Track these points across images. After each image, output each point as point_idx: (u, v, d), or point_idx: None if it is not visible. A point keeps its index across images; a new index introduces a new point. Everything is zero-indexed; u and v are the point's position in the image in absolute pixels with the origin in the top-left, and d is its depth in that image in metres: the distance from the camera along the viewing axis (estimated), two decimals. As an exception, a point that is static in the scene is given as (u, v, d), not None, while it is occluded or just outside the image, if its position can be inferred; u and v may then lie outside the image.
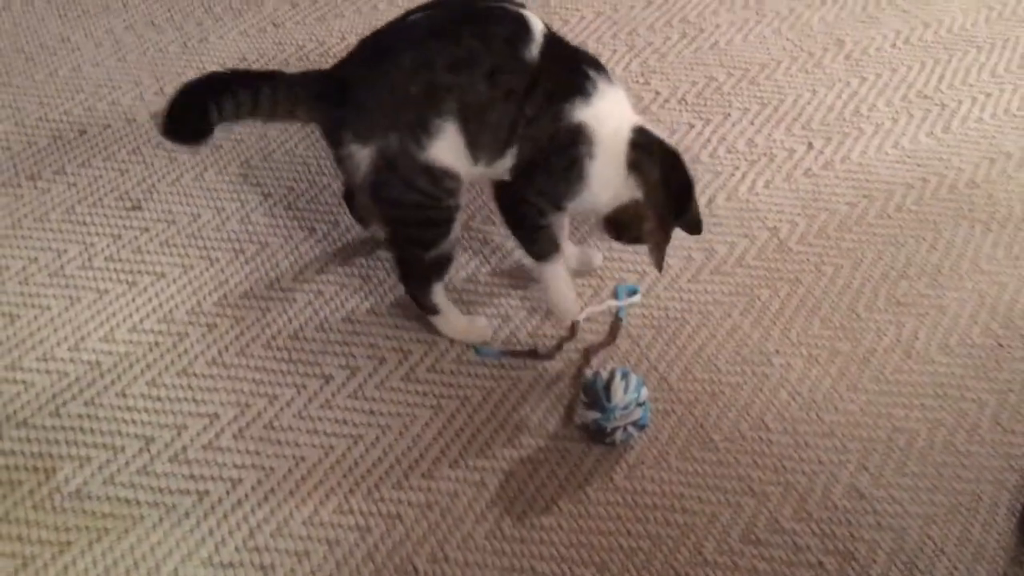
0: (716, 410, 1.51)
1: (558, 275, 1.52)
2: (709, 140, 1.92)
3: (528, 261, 1.55)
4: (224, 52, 2.04)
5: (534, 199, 1.44)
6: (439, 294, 1.54)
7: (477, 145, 1.39)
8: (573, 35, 2.12)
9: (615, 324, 1.61)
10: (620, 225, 1.46)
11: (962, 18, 2.23)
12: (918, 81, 2.07)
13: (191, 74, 1.93)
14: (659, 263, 1.43)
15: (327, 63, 2.00)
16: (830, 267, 1.71)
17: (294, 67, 2.01)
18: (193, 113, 1.36)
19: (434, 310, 1.55)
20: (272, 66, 2.01)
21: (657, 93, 2.02)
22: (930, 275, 1.71)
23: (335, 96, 1.39)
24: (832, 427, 1.49)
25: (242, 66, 2.00)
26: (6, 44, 2.02)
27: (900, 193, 1.84)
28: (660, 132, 1.43)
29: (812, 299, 1.66)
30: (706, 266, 1.70)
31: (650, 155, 1.40)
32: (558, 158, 1.39)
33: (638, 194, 1.41)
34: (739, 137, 1.93)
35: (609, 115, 1.39)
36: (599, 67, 1.43)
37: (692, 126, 1.95)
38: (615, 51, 2.10)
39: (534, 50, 1.36)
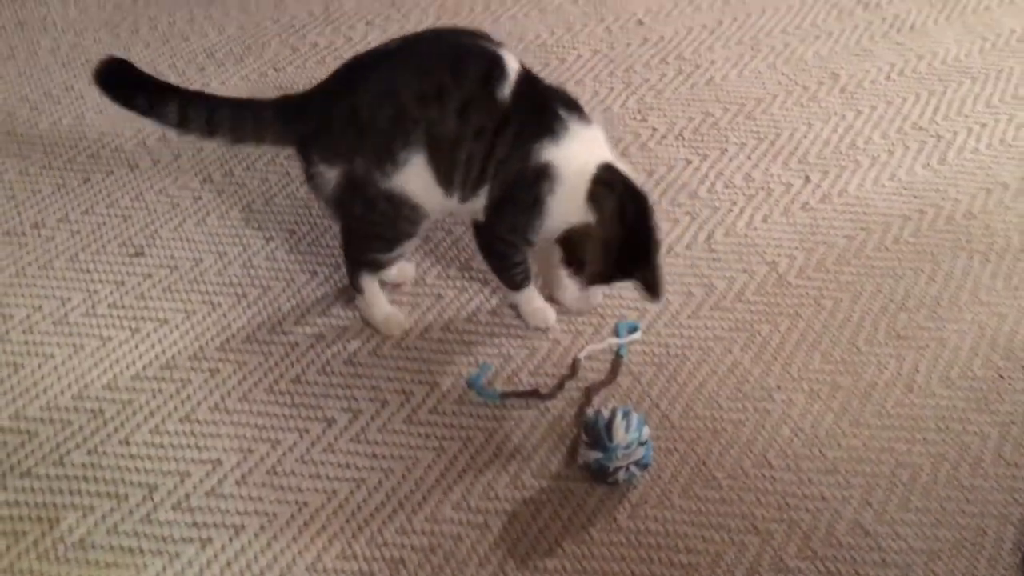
0: (718, 447, 1.51)
1: (530, 297, 1.63)
2: (707, 175, 1.94)
3: (503, 290, 1.64)
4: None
5: (506, 235, 1.49)
6: (371, 280, 1.61)
7: (448, 180, 1.42)
8: (570, 73, 2.14)
9: (616, 362, 1.61)
10: (567, 245, 1.46)
11: (956, 49, 2.25)
12: (913, 113, 2.08)
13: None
14: (585, 287, 1.46)
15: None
16: (829, 301, 1.71)
17: (294, 111, 2.03)
18: (127, 84, 1.51)
19: (359, 290, 1.62)
20: (273, 110, 2.03)
21: (654, 129, 2.03)
22: (929, 307, 1.71)
23: (304, 118, 1.44)
24: (835, 463, 1.49)
25: (243, 111, 2.02)
26: (11, 93, 2.05)
27: (898, 225, 1.85)
28: (633, 174, 1.44)
29: (812, 333, 1.66)
30: (706, 302, 1.71)
31: (611, 189, 1.41)
32: (524, 195, 1.42)
33: (591, 219, 1.42)
34: (736, 172, 1.95)
35: (577, 154, 1.41)
36: (574, 107, 1.45)
37: (689, 162, 1.97)
38: (612, 88, 2.12)
39: (507, 90, 1.38)
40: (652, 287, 1.42)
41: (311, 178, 1.47)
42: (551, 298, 1.67)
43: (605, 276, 1.46)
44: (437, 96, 1.36)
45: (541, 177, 1.40)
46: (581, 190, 1.41)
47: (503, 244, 1.52)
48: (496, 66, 1.39)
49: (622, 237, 1.41)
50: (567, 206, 1.42)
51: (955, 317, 1.70)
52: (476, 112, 1.37)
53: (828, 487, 1.46)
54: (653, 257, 1.42)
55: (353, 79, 1.43)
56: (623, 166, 1.45)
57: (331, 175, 1.43)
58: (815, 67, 2.20)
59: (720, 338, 1.66)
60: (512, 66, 1.40)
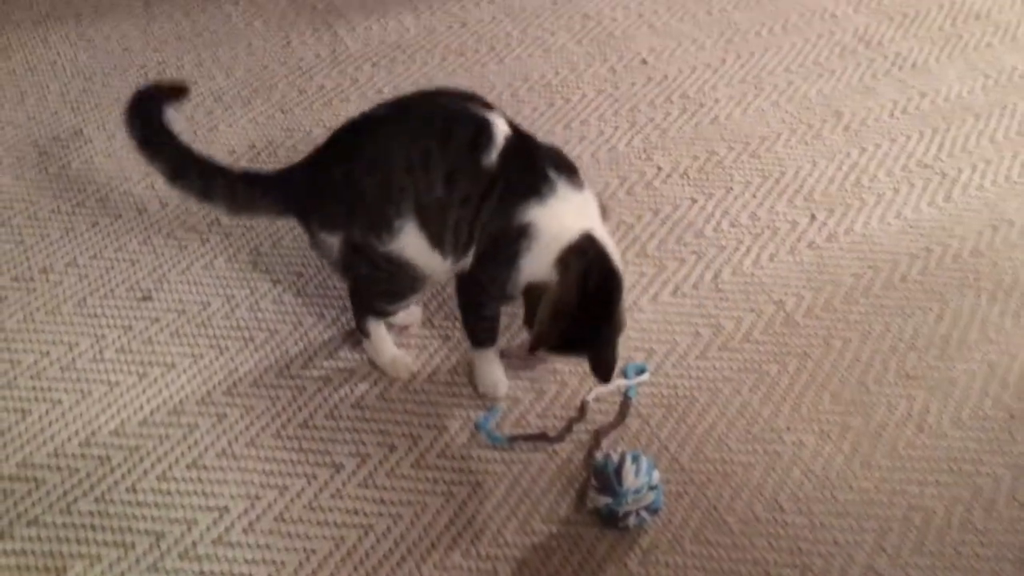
0: (729, 491, 1.50)
1: (487, 359, 1.60)
2: (712, 214, 1.94)
3: (466, 343, 1.61)
4: (234, 139, 2.08)
5: (486, 286, 1.48)
6: (377, 324, 1.61)
7: (439, 243, 1.43)
8: (575, 113, 2.16)
9: (625, 403, 1.61)
10: (526, 299, 1.44)
11: (958, 86, 2.26)
12: (918, 150, 2.09)
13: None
14: (533, 346, 1.41)
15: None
16: (838, 340, 1.71)
17: (302, 153, 2.03)
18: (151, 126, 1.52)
19: (366, 334, 1.63)
20: (281, 152, 2.04)
21: (659, 168, 2.04)
22: (939, 346, 1.70)
23: (300, 189, 1.47)
24: (847, 506, 1.48)
25: (251, 153, 2.04)
26: (20, 137, 2.07)
27: (905, 263, 1.85)
28: (614, 250, 1.42)
29: (821, 374, 1.66)
30: (714, 342, 1.71)
31: (581, 256, 1.39)
32: (504, 250, 1.41)
33: (552, 280, 1.39)
34: (742, 210, 1.95)
35: (560, 217, 1.40)
36: (567, 170, 1.44)
37: (695, 200, 1.97)
38: (617, 127, 2.13)
39: (493, 155, 1.38)
40: (598, 366, 1.40)
41: (315, 244, 1.50)
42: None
43: (551, 341, 1.41)
44: (424, 165, 1.37)
45: (521, 235, 1.39)
46: (553, 251, 1.39)
47: (480, 294, 1.51)
48: (483, 132, 1.39)
49: (577, 305, 1.37)
50: (537, 264, 1.40)
51: (965, 356, 1.69)
52: (463, 179, 1.38)
53: (840, 531, 1.45)
54: (606, 335, 1.40)
55: (345, 147, 1.45)
56: (607, 240, 1.42)
57: (333, 241, 1.45)
58: (819, 105, 2.21)
59: (729, 379, 1.65)
60: (500, 130, 1.40)
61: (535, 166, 1.42)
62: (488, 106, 1.45)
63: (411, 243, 1.42)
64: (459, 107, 1.43)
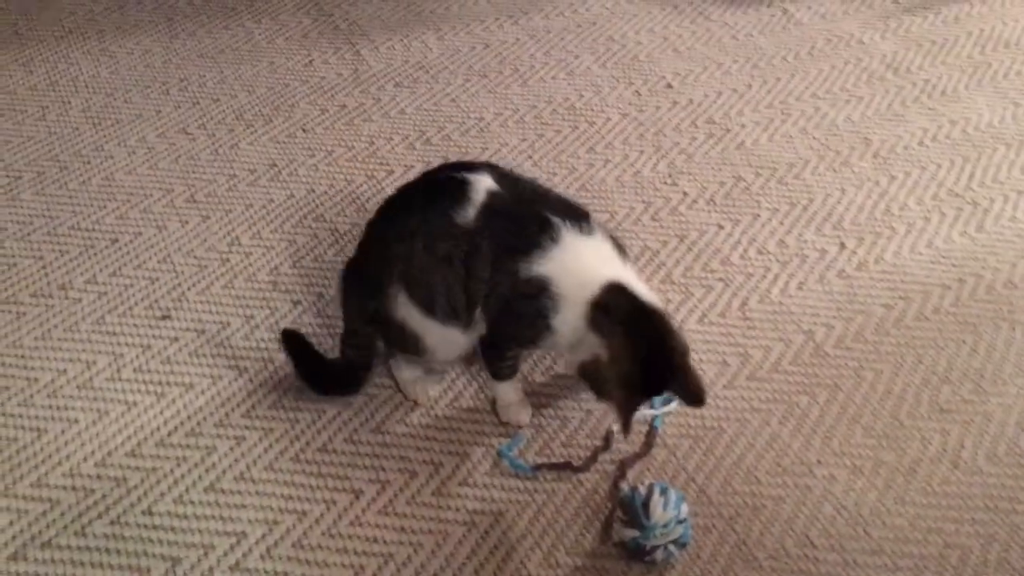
0: (759, 526, 1.46)
1: (508, 391, 1.57)
2: (739, 241, 1.91)
3: (486, 375, 1.58)
4: (255, 158, 2.06)
5: (505, 343, 1.47)
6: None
7: (432, 309, 1.44)
8: (599, 136, 2.13)
9: (651, 433, 1.57)
10: (585, 378, 1.38)
11: (988, 115, 2.23)
12: (948, 179, 2.06)
13: (222, 180, 1.98)
14: (623, 427, 1.33)
15: (355, 167, 2.05)
16: (870, 372, 1.67)
17: (322, 172, 2.03)
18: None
19: (393, 354, 1.63)
20: (302, 171, 2.03)
21: (685, 194, 2.01)
22: (973, 380, 1.66)
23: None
24: (881, 543, 1.44)
25: (271, 172, 2.02)
26: (41, 153, 2.05)
27: (937, 294, 1.81)
28: (643, 289, 1.36)
29: (853, 406, 1.62)
30: (741, 372, 1.67)
31: (610, 316, 1.33)
32: (524, 307, 1.38)
33: (601, 352, 1.33)
34: (769, 238, 1.92)
35: (573, 268, 1.36)
36: (575, 215, 1.40)
37: (721, 227, 1.94)
38: (642, 152, 2.11)
39: (470, 212, 1.39)
40: (690, 396, 1.35)
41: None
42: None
43: (636, 400, 1.34)
44: (411, 233, 1.43)
45: (541, 292, 1.36)
46: (580, 305, 1.34)
47: (506, 351, 1.50)
48: (460, 192, 1.40)
49: (639, 361, 1.31)
50: (570, 320, 1.35)
51: (999, 391, 1.65)
52: (440, 241, 1.40)
53: (875, 569, 1.41)
54: (679, 368, 1.33)
55: (373, 228, 1.55)
56: (633, 282, 1.37)
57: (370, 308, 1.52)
58: (847, 132, 2.18)
59: (757, 410, 1.61)
60: (481, 187, 1.40)
61: (531, 218, 1.38)
62: (488, 167, 1.47)
63: (404, 309, 1.46)
64: (454, 174, 1.45)
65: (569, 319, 1.35)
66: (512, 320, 1.41)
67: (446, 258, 1.40)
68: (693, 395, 1.34)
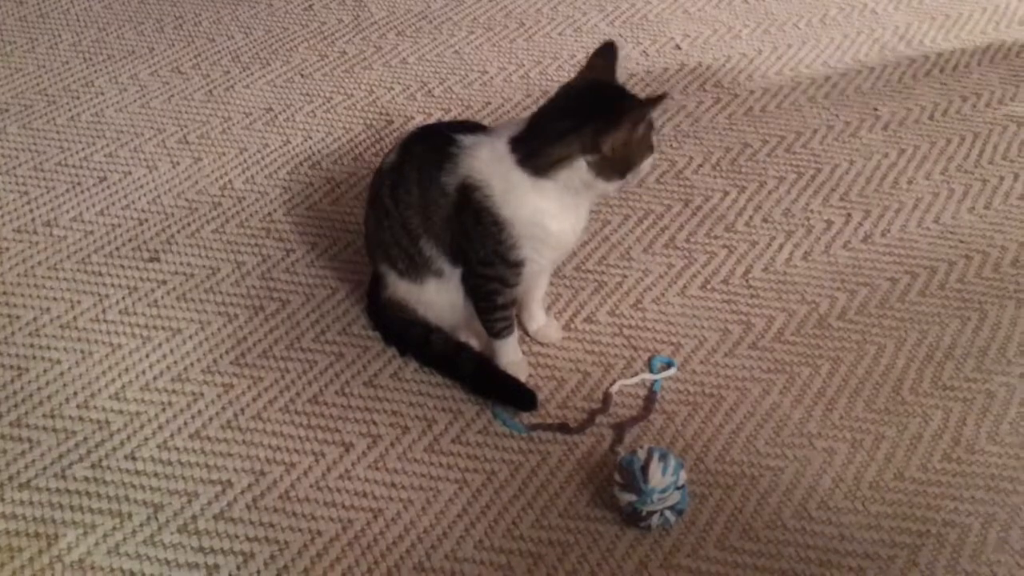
0: (756, 496, 1.43)
1: (507, 349, 1.54)
2: (744, 208, 1.87)
3: (484, 334, 1.54)
4: (250, 101, 2.00)
5: (482, 271, 1.41)
6: None
7: (396, 265, 1.46)
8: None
9: (649, 397, 1.54)
10: (603, 169, 1.33)
11: (1000, 92, 2.19)
12: (958, 155, 2.02)
13: (216, 123, 1.91)
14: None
15: (354, 116, 1.99)
16: (872, 346, 1.64)
17: (320, 119, 1.97)
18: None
19: None
20: (298, 116, 1.97)
21: (691, 158, 1.97)
22: (976, 357, 1.64)
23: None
24: (879, 519, 1.41)
25: (267, 116, 1.96)
26: (29, 86, 1.98)
27: (943, 270, 1.78)
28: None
29: (854, 379, 1.59)
30: (743, 340, 1.64)
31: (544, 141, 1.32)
32: (467, 219, 1.36)
33: (587, 154, 1.30)
34: (775, 206, 1.88)
35: (486, 155, 1.34)
36: (474, 128, 1.41)
37: (726, 193, 1.90)
38: (648, 114, 2.05)
39: (392, 157, 1.44)
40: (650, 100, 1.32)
41: None
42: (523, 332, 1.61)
43: (648, 141, 1.37)
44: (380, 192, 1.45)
45: (468, 191, 1.34)
46: (512, 172, 1.32)
47: (483, 282, 1.43)
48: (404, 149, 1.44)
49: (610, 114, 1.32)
50: (520, 198, 1.33)
51: (1003, 370, 1.62)
52: (375, 190, 1.46)
53: (872, 544, 1.38)
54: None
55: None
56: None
57: None
58: (856, 102, 2.13)
59: (758, 379, 1.58)
60: (409, 141, 1.44)
61: (441, 140, 1.38)
62: (457, 125, 1.47)
63: (392, 285, 1.49)
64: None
65: (512, 197, 1.33)
66: (469, 241, 1.38)
67: (375, 198, 1.44)
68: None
